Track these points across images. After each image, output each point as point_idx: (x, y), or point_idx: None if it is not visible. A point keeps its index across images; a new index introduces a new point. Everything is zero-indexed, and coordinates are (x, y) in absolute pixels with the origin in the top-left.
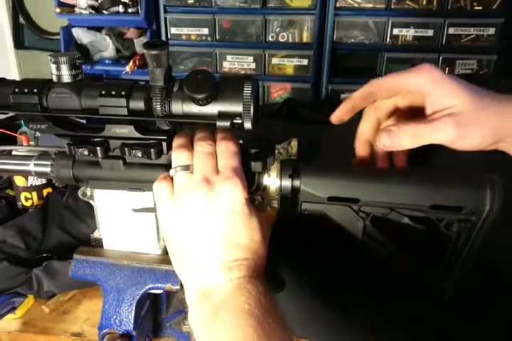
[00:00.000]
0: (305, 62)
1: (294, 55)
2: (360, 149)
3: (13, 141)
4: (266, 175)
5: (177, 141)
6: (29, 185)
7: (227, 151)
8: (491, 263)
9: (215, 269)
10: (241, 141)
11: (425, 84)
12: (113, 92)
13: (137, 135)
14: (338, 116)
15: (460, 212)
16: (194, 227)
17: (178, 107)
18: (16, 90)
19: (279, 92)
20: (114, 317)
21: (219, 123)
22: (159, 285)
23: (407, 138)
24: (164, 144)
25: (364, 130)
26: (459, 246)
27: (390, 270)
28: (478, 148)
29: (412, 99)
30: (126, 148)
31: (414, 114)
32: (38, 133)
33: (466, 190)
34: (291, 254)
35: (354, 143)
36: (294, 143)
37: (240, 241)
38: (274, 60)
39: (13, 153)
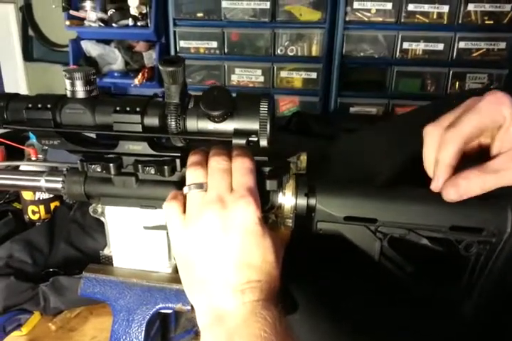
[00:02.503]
0: (314, 75)
1: (303, 69)
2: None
3: (21, 154)
4: (281, 193)
5: (192, 158)
6: (36, 198)
7: (242, 168)
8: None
9: (227, 291)
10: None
11: (506, 120)
12: (127, 108)
13: (151, 152)
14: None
15: (480, 234)
16: (206, 247)
17: (193, 124)
18: (30, 105)
19: (287, 106)
20: (124, 337)
21: (235, 141)
22: (170, 305)
23: (475, 190)
24: (178, 161)
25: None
26: (478, 268)
27: (408, 292)
28: None
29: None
30: (139, 165)
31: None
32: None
33: (486, 211)
34: (305, 275)
35: (368, 158)
36: (304, 157)
37: (252, 262)
38: (283, 73)
39: (22, 167)
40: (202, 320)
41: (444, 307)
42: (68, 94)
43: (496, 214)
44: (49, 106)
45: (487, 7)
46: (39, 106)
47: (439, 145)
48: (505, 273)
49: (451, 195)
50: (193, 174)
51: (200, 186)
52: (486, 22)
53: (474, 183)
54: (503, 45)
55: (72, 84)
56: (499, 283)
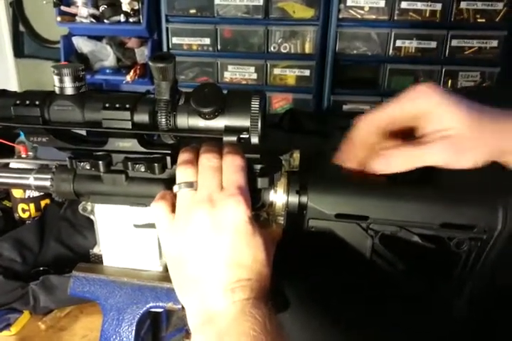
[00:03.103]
0: (307, 72)
1: (296, 66)
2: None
3: (11, 151)
4: (272, 190)
5: (182, 156)
6: (26, 196)
7: (232, 166)
8: (505, 283)
9: (217, 290)
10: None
11: (430, 107)
12: (117, 105)
13: (141, 149)
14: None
15: (471, 231)
16: (196, 246)
17: (184, 121)
18: (18, 102)
19: (280, 103)
20: (114, 337)
21: (225, 138)
22: (161, 303)
23: (401, 161)
24: (168, 159)
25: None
26: (469, 265)
27: (399, 289)
28: (472, 167)
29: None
30: (129, 163)
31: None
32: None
33: (477, 208)
34: (297, 273)
35: None
36: (296, 155)
37: (242, 261)
38: (276, 71)
39: (12, 165)
40: (192, 321)
41: (436, 304)
42: (57, 90)
43: (487, 212)
44: (37, 102)
45: (479, 5)
46: (27, 102)
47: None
48: (496, 270)
49: (377, 165)
50: (183, 173)
51: (190, 185)
52: (478, 20)
53: (399, 154)
54: (495, 43)
55: (61, 81)
56: (490, 280)
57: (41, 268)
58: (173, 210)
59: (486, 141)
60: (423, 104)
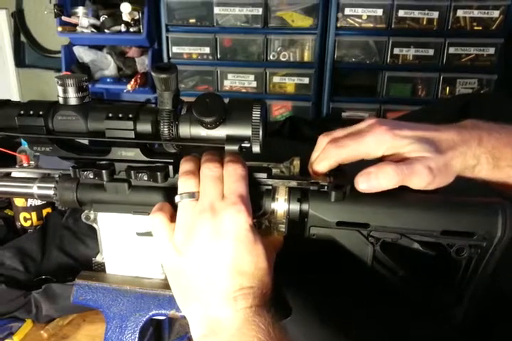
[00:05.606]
0: (306, 80)
1: (295, 74)
2: None
3: (13, 160)
4: (273, 199)
5: (184, 167)
6: (28, 205)
7: (234, 175)
8: (501, 290)
9: (220, 299)
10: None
11: (387, 147)
12: (120, 115)
13: (143, 158)
14: None
15: (471, 238)
16: (197, 256)
17: (186, 130)
18: (22, 112)
19: (280, 110)
20: None
21: (227, 147)
22: (163, 311)
23: (388, 178)
24: (170, 167)
25: (313, 158)
26: (469, 272)
27: (400, 296)
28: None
29: None
30: (132, 171)
31: None
32: (37, 153)
33: (477, 216)
34: (298, 280)
35: (362, 162)
36: (297, 162)
37: (244, 269)
38: (275, 79)
39: (13, 174)
40: (196, 331)
41: (436, 310)
42: (60, 100)
43: (487, 219)
44: (41, 112)
45: (476, 13)
46: (31, 112)
47: (319, 155)
48: (496, 277)
49: (361, 184)
50: (184, 183)
51: (192, 195)
52: (475, 28)
53: (386, 170)
54: (492, 50)
55: (65, 91)
56: (490, 287)
57: (43, 277)
58: (172, 221)
59: (454, 159)
60: (377, 152)
